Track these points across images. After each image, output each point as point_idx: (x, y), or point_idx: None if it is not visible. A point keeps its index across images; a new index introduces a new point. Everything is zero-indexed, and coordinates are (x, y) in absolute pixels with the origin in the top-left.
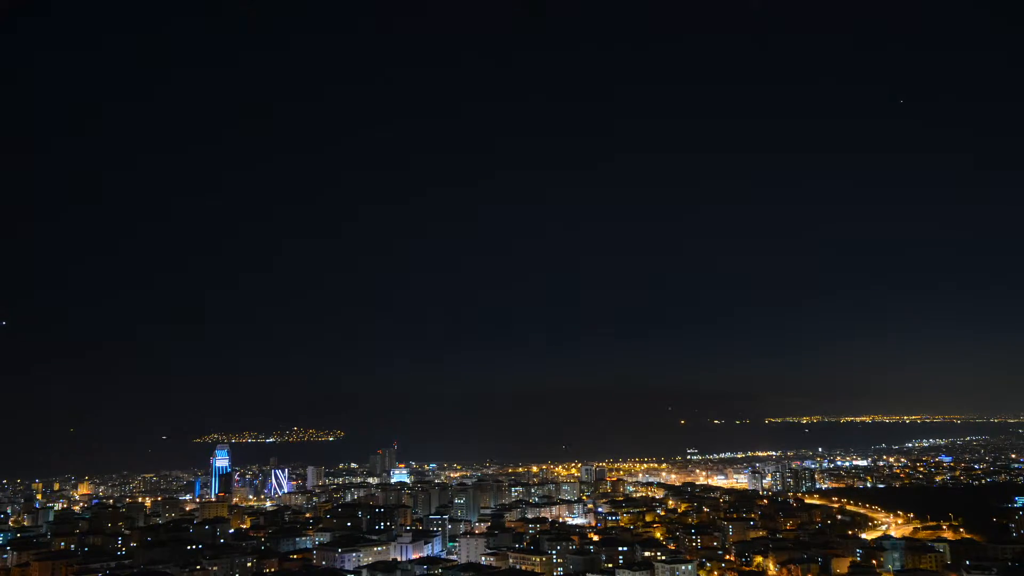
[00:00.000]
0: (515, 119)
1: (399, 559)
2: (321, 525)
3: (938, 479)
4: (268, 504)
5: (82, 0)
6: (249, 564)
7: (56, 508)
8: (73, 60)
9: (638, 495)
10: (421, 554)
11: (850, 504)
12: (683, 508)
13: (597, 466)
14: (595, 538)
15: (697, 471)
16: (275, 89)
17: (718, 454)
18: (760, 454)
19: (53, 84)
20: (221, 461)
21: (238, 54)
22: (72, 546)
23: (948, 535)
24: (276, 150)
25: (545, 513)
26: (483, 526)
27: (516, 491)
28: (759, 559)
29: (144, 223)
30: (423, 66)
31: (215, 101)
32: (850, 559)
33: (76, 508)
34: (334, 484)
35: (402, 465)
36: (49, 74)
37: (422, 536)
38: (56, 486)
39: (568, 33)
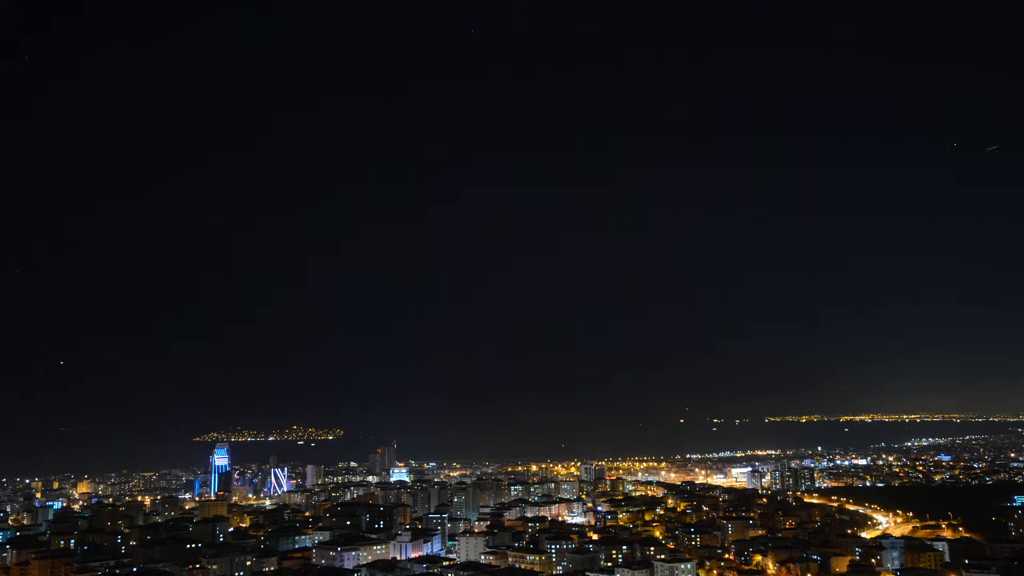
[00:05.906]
0: None
1: (398, 558)
2: (320, 524)
3: (937, 478)
4: (267, 503)
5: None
6: (249, 563)
7: (56, 507)
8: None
9: (637, 494)
10: (420, 553)
11: (849, 503)
12: (682, 507)
13: (596, 465)
14: (594, 537)
15: (696, 470)
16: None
17: (718, 453)
18: (760, 453)
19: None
20: (220, 460)
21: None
22: (72, 545)
23: (947, 534)
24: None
25: (544, 512)
26: (482, 525)
27: (515, 490)
28: (758, 558)
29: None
30: None
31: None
32: (849, 558)
33: (76, 507)
34: (333, 483)
35: (401, 464)
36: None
37: (421, 535)
38: (55, 485)
39: None
